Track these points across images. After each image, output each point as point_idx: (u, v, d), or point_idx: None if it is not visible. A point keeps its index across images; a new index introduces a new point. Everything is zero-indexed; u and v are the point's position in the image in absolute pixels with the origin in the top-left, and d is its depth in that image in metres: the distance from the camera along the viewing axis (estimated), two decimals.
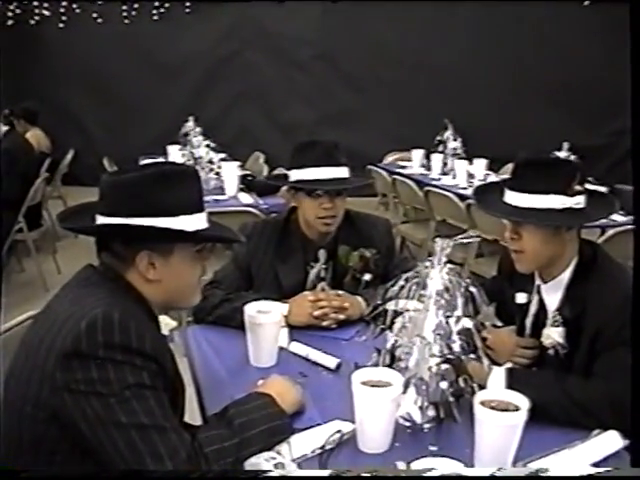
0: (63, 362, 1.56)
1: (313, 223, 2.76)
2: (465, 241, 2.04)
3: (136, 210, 1.72)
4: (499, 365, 2.11)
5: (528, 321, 2.34)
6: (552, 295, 2.27)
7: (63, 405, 1.57)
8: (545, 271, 2.27)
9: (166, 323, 1.95)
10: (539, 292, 2.31)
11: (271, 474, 1.55)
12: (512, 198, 2.19)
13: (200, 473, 1.60)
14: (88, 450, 1.60)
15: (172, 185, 1.76)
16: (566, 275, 2.24)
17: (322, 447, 1.76)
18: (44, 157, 6.95)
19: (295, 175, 2.76)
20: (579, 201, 2.15)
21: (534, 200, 2.13)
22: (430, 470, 1.54)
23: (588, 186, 2.23)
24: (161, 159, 6.67)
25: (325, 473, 1.53)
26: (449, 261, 1.86)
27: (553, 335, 2.20)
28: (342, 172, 2.73)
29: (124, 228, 1.72)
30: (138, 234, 1.73)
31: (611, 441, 1.84)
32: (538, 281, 2.31)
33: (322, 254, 2.82)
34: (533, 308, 2.33)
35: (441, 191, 5.77)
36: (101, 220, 1.76)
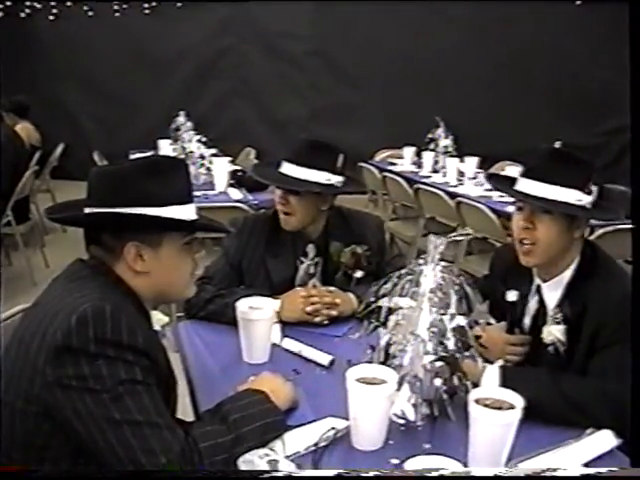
0: (54, 357, 1.55)
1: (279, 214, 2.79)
2: (459, 238, 2.04)
3: (123, 200, 1.71)
4: (492, 363, 2.11)
5: (527, 320, 2.34)
6: (553, 293, 2.27)
7: (55, 400, 1.56)
8: (547, 269, 2.27)
9: (158, 318, 1.94)
10: (539, 292, 2.31)
11: (275, 474, 1.54)
12: (529, 186, 2.19)
13: (204, 473, 1.59)
14: (80, 446, 1.59)
15: (160, 175, 1.75)
16: (568, 273, 2.24)
17: (315, 444, 1.76)
18: (34, 150, 6.92)
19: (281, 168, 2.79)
20: (591, 200, 2.18)
21: (552, 191, 2.14)
22: (436, 470, 1.53)
23: None
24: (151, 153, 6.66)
25: (330, 473, 1.52)
26: (441, 259, 1.86)
27: (555, 332, 2.20)
28: (308, 173, 2.71)
29: (111, 217, 1.71)
30: (125, 222, 1.72)
31: (604, 440, 1.84)
32: (538, 281, 2.31)
33: (311, 249, 2.81)
34: (533, 308, 2.32)
35: (431, 189, 5.78)
36: (88, 211, 1.76)
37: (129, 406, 1.56)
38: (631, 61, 2.03)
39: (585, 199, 2.16)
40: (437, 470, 1.51)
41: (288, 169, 2.73)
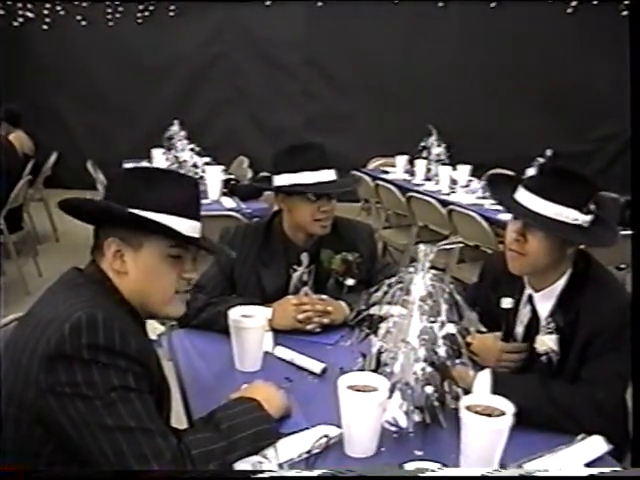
0: (47, 364, 1.56)
1: (309, 226, 2.75)
2: (448, 247, 2.06)
3: (120, 199, 1.73)
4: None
5: (519, 329, 2.35)
6: (545, 303, 2.28)
7: (48, 407, 1.57)
8: (538, 279, 2.28)
9: (154, 327, 1.95)
10: (531, 301, 2.32)
11: (267, 474, 1.55)
12: (527, 199, 2.17)
13: (196, 473, 1.60)
14: (73, 452, 1.60)
15: (156, 184, 1.77)
16: (560, 284, 2.25)
17: (309, 451, 1.77)
18: (27, 159, 6.91)
19: (288, 179, 2.74)
20: (589, 220, 2.15)
21: (549, 208, 2.13)
22: (425, 471, 1.54)
23: None
24: (145, 163, 6.70)
25: (321, 472, 1.53)
26: (432, 267, 1.87)
27: (548, 342, 2.20)
28: (332, 174, 2.75)
29: (89, 204, 1.77)
30: (99, 210, 1.75)
31: (596, 446, 1.85)
32: (530, 290, 2.32)
33: (305, 257, 2.82)
34: (525, 317, 2.33)
35: (423, 197, 5.79)
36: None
37: (121, 412, 1.57)
38: (631, 64, 2.04)
39: (582, 218, 2.14)
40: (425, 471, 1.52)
41: (314, 176, 2.71)
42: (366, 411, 1.78)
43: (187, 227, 1.79)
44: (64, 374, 1.56)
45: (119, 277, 1.76)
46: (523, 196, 2.19)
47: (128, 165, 6.56)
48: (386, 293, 1.85)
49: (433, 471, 1.56)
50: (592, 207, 2.16)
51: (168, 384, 1.86)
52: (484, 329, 1.97)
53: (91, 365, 1.56)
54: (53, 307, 1.68)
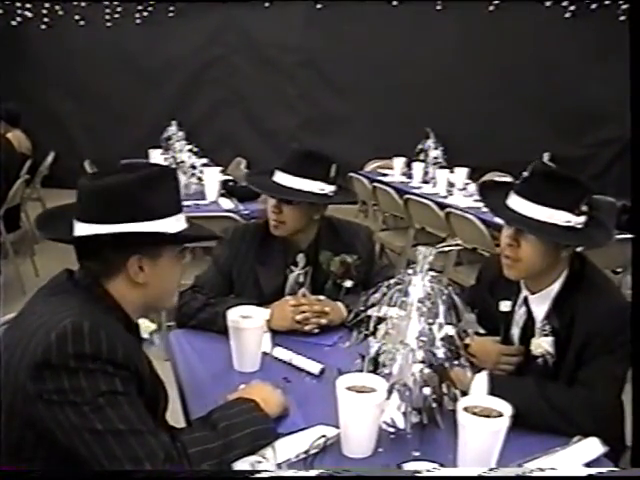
0: (34, 373, 1.56)
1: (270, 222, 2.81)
2: (447, 249, 2.06)
3: (120, 216, 1.70)
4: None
5: (515, 331, 2.36)
6: (540, 306, 2.28)
7: (37, 414, 1.57)
8: (533, 282, 2.28)
9: (146, 326, 1.95)
10: (527, 303, 2.32)
11: (265, 474, 1.55)
12: (518, 204, 2.17)
13: (193, 473, 1.61)
14: (66, 457, 1.60)
15: (155, 188, 1.75)
16: (556, 286, 2.25)
17: (306, 451, 1.77)
18: (24, 159, 6.90)
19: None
20: (582, 221, 2.14)
21: (540, 212, 2.12)
22: (422, 471, 1.55)
23: None
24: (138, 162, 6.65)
25: (318, 472, 1.53)
26: (430, 269, 1.88)
27: (543, 345, 2.21)
28: (302, 183, 2.73)
29: (116, 237, 1.70)
30: (128, 240, 1.71)
31: (591, 447, 1.86)
32: (525, 292, 2.32)
33: (301, 258, 2.83)
34: (521, 319, 2.34)
35: (421, 199, 5.79)
36: (83, 227, 1.72)
37: (111, 416, 1.56)
38: (631, 68, 2.05)
39: (575, 220, 2.13)
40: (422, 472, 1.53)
41: (282, 178, 2.75)
42: (364, 412, 1.79)
43: (182, 222, 1.82)
44: (51, 382, 1.55)
45: (135, 288, 1.75)
46: (514, 201, 2.19)
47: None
48: (385, 295, 1.86)
49: (430, 471, 1.56)
50: (584, 208, 2.15)
51: (163, 385, 1.86)
52: (482, 331, 1.98)
53: (78, 373, 1.56)
54: (41, 313, 1.67)
